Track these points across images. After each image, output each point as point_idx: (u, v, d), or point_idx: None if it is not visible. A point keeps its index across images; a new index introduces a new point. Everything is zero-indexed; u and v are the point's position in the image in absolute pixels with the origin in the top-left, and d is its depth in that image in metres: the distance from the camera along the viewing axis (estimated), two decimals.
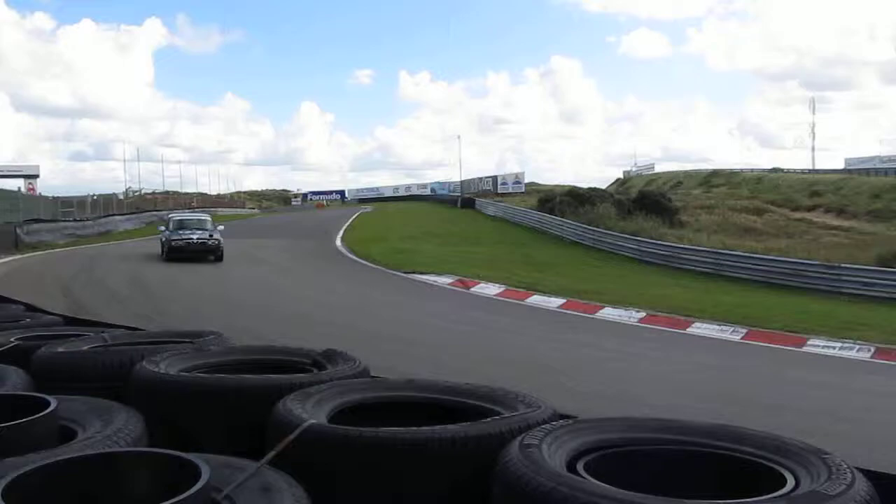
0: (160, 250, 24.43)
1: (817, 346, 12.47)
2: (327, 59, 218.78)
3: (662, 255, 26.03)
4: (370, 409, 2.54)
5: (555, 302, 16.68)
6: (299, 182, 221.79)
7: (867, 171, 55.94)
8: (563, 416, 2.29)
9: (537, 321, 15.03)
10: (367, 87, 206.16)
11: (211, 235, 23.79)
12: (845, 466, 1.75)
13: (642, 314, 15.08)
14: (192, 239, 23.46)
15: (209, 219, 26.23)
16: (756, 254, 24.52)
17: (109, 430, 2.08)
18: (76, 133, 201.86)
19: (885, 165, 61.05)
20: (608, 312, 15.42)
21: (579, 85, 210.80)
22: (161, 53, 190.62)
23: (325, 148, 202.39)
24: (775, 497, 1.62)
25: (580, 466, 1.92)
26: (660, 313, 15.13)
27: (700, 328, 13.99)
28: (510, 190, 56.15)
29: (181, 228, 24.40)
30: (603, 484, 1.73)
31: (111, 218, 42.07)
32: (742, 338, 13.30)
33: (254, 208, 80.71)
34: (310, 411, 2.26)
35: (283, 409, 2.28)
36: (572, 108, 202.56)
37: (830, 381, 10.24)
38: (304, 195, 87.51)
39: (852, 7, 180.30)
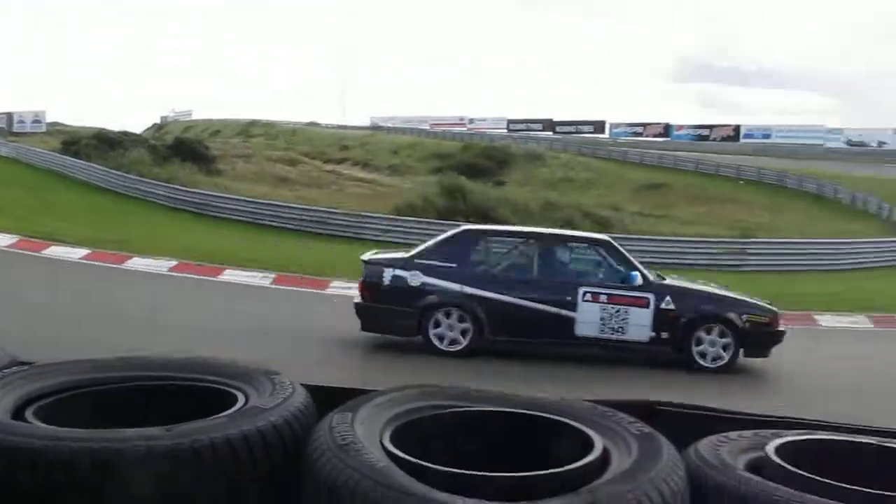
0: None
1: (338, 287, 13.55)
2: None
3: (196, 203, 25.70)
4: None
5: (78, 252, 15.52)
6: None
7: (387, 130, 62.09)
8: (22, 363, 2.14)
9: (57, 273, 13.89)
10: None
11: None
12: (288, 383, 1.93)
13: (173, 263, 14.84)
14: None
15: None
16: (289, 203, 25.63)
17: None
18: None
19: (404, 125, 68.37)
20: (137, 262, 14.88)
21: (112, 23, 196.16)
22: None
23: None
24: (219, 416, 1.72)
25: (30, 412, 1.83)
26: (191, 262, 15.04)
27: (232, 275, 14.26)
28: (28, 129, 50.09)
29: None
30: (45, 426, 1.67)
31: None
32: (272, 282, 13.93)
33: None
34: None
35: None
36: (103, 45, 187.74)
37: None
38: None
39: None
